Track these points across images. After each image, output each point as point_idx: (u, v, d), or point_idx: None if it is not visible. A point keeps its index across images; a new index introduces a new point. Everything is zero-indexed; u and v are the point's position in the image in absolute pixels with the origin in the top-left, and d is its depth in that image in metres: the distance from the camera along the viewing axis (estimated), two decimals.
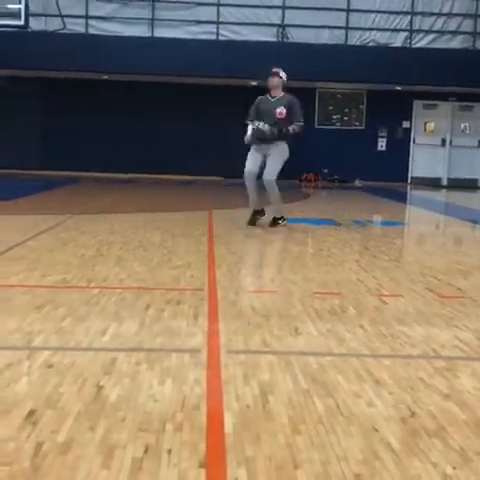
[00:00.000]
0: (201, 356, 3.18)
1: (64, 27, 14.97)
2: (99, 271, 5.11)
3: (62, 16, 14.87)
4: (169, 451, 2.21)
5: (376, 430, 2.42)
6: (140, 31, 15.22)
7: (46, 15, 14.97)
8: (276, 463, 2.15)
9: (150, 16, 15.21)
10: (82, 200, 11.31)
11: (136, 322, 3.71)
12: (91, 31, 15.17)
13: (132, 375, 2.89)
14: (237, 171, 15.58)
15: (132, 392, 2.70)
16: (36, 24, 14.87)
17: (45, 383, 2.77)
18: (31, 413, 2.47)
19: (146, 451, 2.20)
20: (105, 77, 15.96)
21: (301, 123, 7.80)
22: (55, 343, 3.34)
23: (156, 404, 2.59)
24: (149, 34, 15.23)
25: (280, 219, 7.91)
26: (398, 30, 15.78)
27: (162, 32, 15.18)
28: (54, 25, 14.98)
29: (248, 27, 15.45)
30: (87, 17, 15.09)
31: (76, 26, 15.13)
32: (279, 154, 7.81)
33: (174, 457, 2.17)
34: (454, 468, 2.16)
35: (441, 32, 15.83)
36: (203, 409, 2.56)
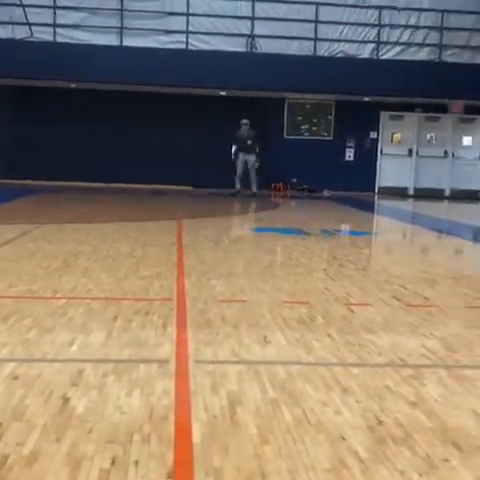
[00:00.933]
0: (169, 366, 3.17)
1: (31, 35, 14.85)
2: (66, 282, 5.06)
3: (29, 24, 14.75)
4: (136, 462, 2.19)
5: (343, 439, 2.44)
6: (108, 40, 15.17)
7: (13, 23, 14.84)
8: (244, 473, 2.15)
9: (119, 25, 15.17)
10: (50, 210, 11.20)
11: (103, 333, 3.68)
12: (59, 39, 15.07)
13: (99, 387, 2.86)
14: (206, 180, 15.70)
15: (99, 404, 2.68)
16: (3, 32, 14.73)
17: (11, 395, 2.73)
18: None
19: (113, 463, 2.18)
20: (73, 85, 15.86)
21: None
22: (21, 355, 3.29)
23: (123, 416, 2.57)
24: (117, 43, 15.18)
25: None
26: (366, 42, 15.98)
27: (131, 41, 15.15)
28: (21, 33, 14.85)
29: (217, 37, 15.51)
30: (55, 25, 14.99)
31: (44, 34, 15.02)
32: None
33: (141, 468, 2.15)
34: (420, 475, 2.19)
35: (408, 44, 16.08)
36: (171, 420, 2.54)
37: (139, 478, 2.09)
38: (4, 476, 2.07)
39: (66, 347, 3.41)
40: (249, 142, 14.89)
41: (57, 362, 3.20)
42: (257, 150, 14.91)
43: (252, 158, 14.96)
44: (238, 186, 15.08)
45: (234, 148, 14.91)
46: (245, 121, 14.93)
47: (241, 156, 14.99)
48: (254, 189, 15.18)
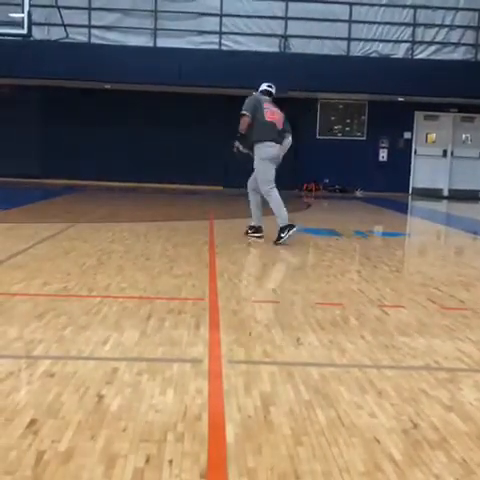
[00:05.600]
0: (202, 366, 3.18)
1: (67, 36, 15.02)
2: (100, 280, 5.11)
3: (65, 25, 14.92)
4: (170, 461, 2.20)
5: (378, 441, 2.41)
6: (142, 41, 15.27)
7: (49, 24, 15.03)
8: (278, 474, 2.15)
9: (152, 26, 15.27)
10: (83, 209, 11.31)
11: (137, 332, 3.70)
12: (94, 40, 15.23)
13: (133, 385, 2.88)
14: (236, 181, 15.70)
15: (133, 402, 2.69)
16: (39, 33, 14.92)
17: (46, 392, 2.76)
18: (32, 422, 2.46)
19: (147, 461, 2.19)
20: (107, 86, 16.01)
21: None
22: (56, 352, 3.33)
23: (157, 414, 2.58)
24: (151, 44, 15.28)
25: (283, 231, 7.31)
26: (400, 41, 15.83)
27: (164, 42, 15.23)
28: (57, 34, 15.03)
29: (251, 37, 15.50)
30: (90, 26, 15.14)
31: (79, 35, 15.18)
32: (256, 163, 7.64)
33: (175, 467, 2.16)
34: None
35: (443, 44, 15.87)
36: (205, 419, 2.55)
37: (173, 477, 2.10)
38: (40, 473, 2.09)
39: (101, 345, 3.44)
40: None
41: (92, 360, 3.23)
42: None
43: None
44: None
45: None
46: None
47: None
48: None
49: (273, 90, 8.05)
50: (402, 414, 2.68)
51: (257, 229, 7.84)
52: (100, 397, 2.73)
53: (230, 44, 15.46)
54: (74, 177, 16.35)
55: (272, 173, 7.61)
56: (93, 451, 2.25)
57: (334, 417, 2.62)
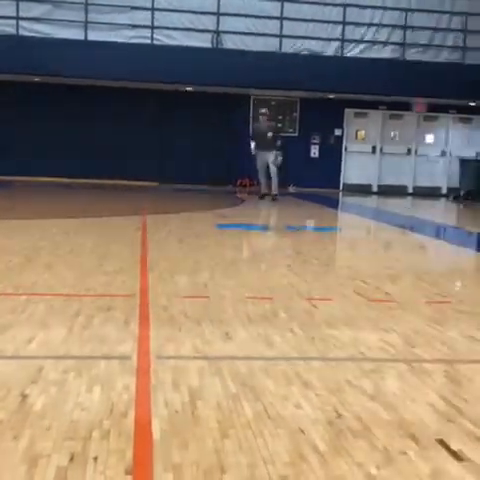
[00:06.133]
0: (131, 363, 3.15)
1: None
2: (27, 278, 4.99)
3: None
4: (95, 459, 2.18)
5: (303, 432, 2.46)
6: (73, 34, 14.98)
7: None
8: (203, 468, 2.16)
9: (84, 19, 14.99)
10: (12, 205, 11.03)
11: (64, 329, 3.64)
12: (22, 32, 14.84)
13: (59, 383, 2.84)
14: (172, 176, 15.62)
15: (59, 400, 2.65)
16: None
17: None
18: None
19: (71, 459, 2.17)
20: (36, 79, 15.64)
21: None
22: None
23: (83, 412, 2.55)
24: (82, 37, 15.00)
25: None
26: (330, 39, 16.06)
27: (96, 35, 14.98)
28: None
29: (183, 32, 15.43)
30: (18, 18, 14.75)
31: (7, 27, 14.76)
32: None
33: (100, 465, 2.14)
34: (378, 468, 2.21)
35: (372, 42, 16.21)
36: (131, 416, 2.53)
37: (98, 474, 2.08)
38: None
39: (25, 344, 3.37)
40: (269, 135, 12.97)
41: (16, 359, 3.17)
42: (278, 144, 12.99)
43: (272, 155, 13.00)
44: (263, 189, 13.50)
45: (253, 144, 13.25)
46: (263, 111, 13.55)
47: (260, 154, 13.25)
48: (274, 191, 13.26)
49: None
50: (327, 404, 2.73)
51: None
52: (24, 396, 2.67)
53: (162, 38, 15.34)
54: (5, 173, 15.90)
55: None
56: (15, 451, 2.21)
57: (260, 409, 2.64)
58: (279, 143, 12.97)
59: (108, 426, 2.43)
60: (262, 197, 13.43)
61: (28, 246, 6.46)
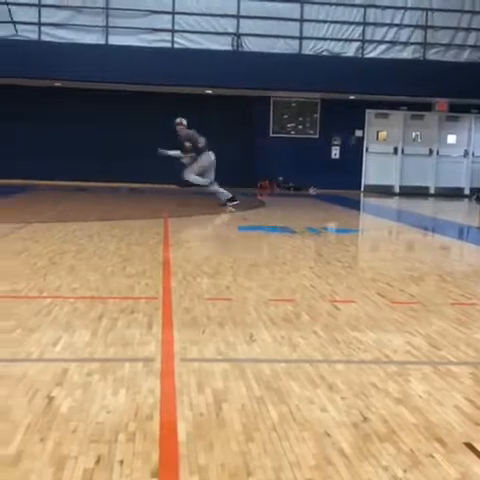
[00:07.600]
0: (155, 365, 3.16)
1: (16, 33, 14.75)
2: (51, 281, 5.03)
3: (14, 22, 14.65)
4: (121, 462, 2.18)
5: (329, 435, 2.44)
6: (94, 38, 15.09)
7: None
8: (229, 471, 2.15)
9: (104, 23, 15.10)
10: (36, 209, 11.13)
11: (88, 332, 3.66)
12: (44, 38, 14.98)
13: (84, 386, 2.85)
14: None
15: (84, 403, 2.67)
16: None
17: None
18: None
19: (98, 462, 2.18)
20: (58, 84, 15.77)
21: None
22: (5, 354, 3.28)
23: (108, 414, 2.56)
24: (103, 42, 15.11)
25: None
26: (351, 40, 16.02)
27: (116, 40, 15.08)
28: (6, 31, 14.74)
29: (203, 36, 15.48)
30: (40, 24, 14.89)
31: (29, 33, 14.92)
32: None
33: (126, 468, 2.15)
34: (405, 471, 2.20)
35: (392, 42, 16.13)
36: (156, 418, 2.54)
37: (124, 477, 2.09)
38: None
39: (51, 346, 3.40)
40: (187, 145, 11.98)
41: (41, 362, 3.19)
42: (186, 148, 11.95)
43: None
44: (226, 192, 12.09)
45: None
46: (178, 120, 12.01)
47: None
48: (220, 198, 12.06)
49: None
50: (352, 408, 2.71)
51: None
52: (50, 399, 2.69)
53: (183, 42, 15.41)
54: (25, 177, 16.05)
55: None
56: (42, 453, 2.22)
57: (285, 412, 2.64)
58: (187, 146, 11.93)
59: (133, 429, 2.44)
60: (224, 205, 11.92)
61: (53, 249, 6.51)
